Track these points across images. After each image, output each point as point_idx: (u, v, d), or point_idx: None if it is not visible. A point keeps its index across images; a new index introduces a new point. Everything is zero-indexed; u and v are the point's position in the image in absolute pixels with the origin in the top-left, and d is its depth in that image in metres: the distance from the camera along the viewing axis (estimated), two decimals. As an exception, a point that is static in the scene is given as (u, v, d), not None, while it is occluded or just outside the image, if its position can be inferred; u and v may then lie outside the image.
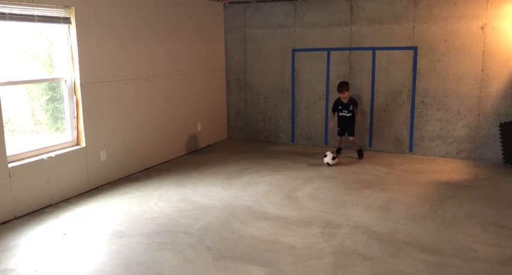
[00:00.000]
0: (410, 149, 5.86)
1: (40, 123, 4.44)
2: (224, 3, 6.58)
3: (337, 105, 5.63)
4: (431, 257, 3.04)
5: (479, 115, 5.43)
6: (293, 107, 6.50)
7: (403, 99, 5.79)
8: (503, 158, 5.34)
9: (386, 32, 5.74)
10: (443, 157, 5.67)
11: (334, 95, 6.17)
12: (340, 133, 5.77)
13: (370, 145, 6.09)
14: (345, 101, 5.55)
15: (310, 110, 6.40)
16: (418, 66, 5.64)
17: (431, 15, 5.47)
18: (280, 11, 6.32)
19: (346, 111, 5.57)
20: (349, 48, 5.99)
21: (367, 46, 5.87)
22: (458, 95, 5.50)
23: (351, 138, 5.65)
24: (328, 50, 6.11)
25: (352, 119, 5.57)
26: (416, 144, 5.81)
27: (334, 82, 6.14)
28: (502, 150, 5.32)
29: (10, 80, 3.90)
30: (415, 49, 5.61)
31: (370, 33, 5.83)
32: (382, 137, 6.00)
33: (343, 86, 5.53)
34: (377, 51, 5.83)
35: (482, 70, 5.33)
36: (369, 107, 6.00)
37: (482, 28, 5.25)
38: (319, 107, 6.32)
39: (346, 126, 5.65)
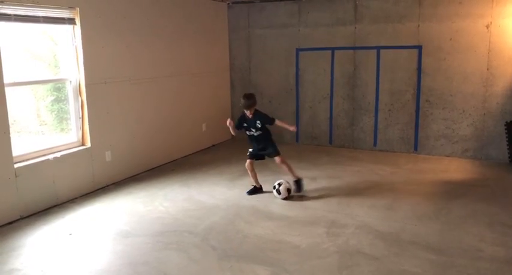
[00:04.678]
0: (415, 149, 5.83)
1: (45, 124, 4.46)
2: (228, 4, 6.59)
3: (242, 123, 4.29)
4: (437, 256, 3.02)
5: (484, 114, 5.40)
6: (297, 106, 6.49)
7: (408, 98, 5.77)
8: (509, 157, 5.31)
9: (390, 31, 5.72)
10: (448, 156, 5.65)
11: (338, 95, 6.18)
12: (252, 156, 4.33)
13: (375, 145, 6.07)
14: (250, 116, 4.23)
15: (314, 110, 6.39)
16: (422, 65, 5.61)
17: (436, 13, 5.44)
18: (284, 11, 6.31)
19: (254, 130, 4.24)
20: (354, 48, 5.97)
21: (371, 45, 5.85)
22: (463, 94, 5.47)
23: (277, 159, 4.26)
24: (333, 49, 6.10)
25: (266, 136, 4.30)
26: (421, 143, 5.79)
27: (339, 82, 6.14)
28: (508, 149, 5.28)
29: (16, 81, 3.93)
30: (419, 48, 5.59)
31: (374, 32, 5.81)
32: (386, 137, 5.98)
33: (248, 101, 4.17)
34: (381, 51, 5.81)
35: (488, 69, 5.30)
36: (373, 106, 5.98)
37: (487, 27, 5.22)
38: (324, 106, 6.31)
39: (262, 145, 4.29)
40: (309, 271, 2.88)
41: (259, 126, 4.22)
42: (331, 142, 6.36)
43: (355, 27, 5.91)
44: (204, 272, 2.90)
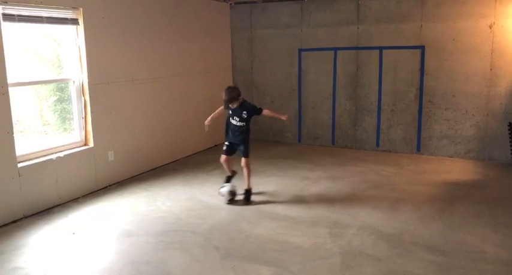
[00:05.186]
0: (418, 149, 5.82)
1: (48, 124, 4.47)
2: (230, 4, 6.59)
3: (228, 107, 4.15)
4: (440, 258, 3.02)
5: (487, 114, 5.39)
6: (300, 107, 6.49)
7: (411, 98, 5.76)
8: (512, 158, 5.30)
9: (393, 31, 5.71)
10: (451, 157, 5.63)
11: (341, 95, 6.17)
12: (228, 151, 4.21)
13: (377, 145, 6.06)
14: (235, 105, 4.09)
15: (316, 110, 6.38)
16: (425, 65, 5.61)
17: (438, 14, 5.44)
18: (287, 11, 6.31)
19: (237, 119, 4.07)
20: (356, 48, 5.97)
21: (374, 45, 5.85)
22: (466, 95, 5.46)
23: (243, 160, 4.12)
24: (335, 49, 6.10)
25: (245, 132, 4.12)
26: (424, 144, 5.78)
27: (342, 82, 6.13)
28: (511, 150, 5.27)
29: (19, 81, 3.94)
30: (422, 48, 5.58)
31: (377, 32, 5.81)
32: (389, 137, 5.98)
33: (232, 97, 4.01)
34: (384, 51, 5.80)
35: (491, 69, 5.28)
36: (376, 106, 5.98)
37: (490, 27, 5.21)
38: (326, 107, 6.30)
39: (238, 139, 4.13)
40: (312, 271, 2.87)
41: (245, 117, 4.05)
42: (333, 142, 6.35)
43: (358, 28, 5.91)
44: (207, 272, 2.90)
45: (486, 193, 4.32)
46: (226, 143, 4.24)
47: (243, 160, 4.15)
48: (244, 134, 4.13)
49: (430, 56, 5.56)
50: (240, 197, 4.17)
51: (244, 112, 4.06)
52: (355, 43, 5.96)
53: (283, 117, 4.19)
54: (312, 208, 4.00)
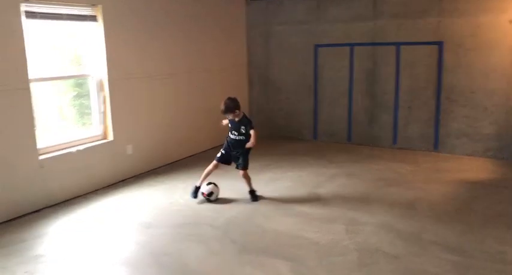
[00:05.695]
0: (436, 147, 5.76)
1: (68, 119, 4.56)
2: (247, 0, 6.59)
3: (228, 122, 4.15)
4: (458, 257, 2.99)
5: (507, 112, 5.29)
6: (315, 103, 6.48)
7: (428, 95, 5.69)
8: (532, 157, 5.21)
9: (410, 27, 5.64)
10: (469, 155, 5.56)
11: (357, 91, 6.14)
12: (222, 159, 4.13)
13: (394, 142, 6.02)
14: (236, 119, 4.04)
15: (333, 107, 6.36)
16: (443, 61, 5.53)
17: (457, 9, 5.34)
18: (303, 7, 6.28)
19: (236, 133, 4.04)
20: (373, 44, 5.91)
21: (391, 41, 5.78)
22: (485, 91, 5.37)
23: (241, 172, 4.12)
24: (351, 45, 6.05)
25: (244, 145, 4.05)
26: (442, 141, 5.71)
27: (358, 78, 6.09)
28: (532, 149, 5.18)
29: (40, 77, 4.02)
30: (440, 44, 5.50)
31: (394, 28, 5.74)
32: (406, 134, 5.92)
33: (228, 107, 3.94)
34: (401, 47, 5.74)
35: (511, 65, 5.19)
36: (393, 103, 5.93)
37: (510, 22, 5.10)
38: (342, 103, 6.27)
39: (236, 151, 4.08)
40: (329, 267, 2.89)
41: (243, 132, 4.01)
42: (349, 139, 6.33)
43: (375, 23, 5.85)
44: (224, 265, 2.94)
45: (506, 192, 4.26)
46: (222, 151, 4.14)
47: (241, 172, 4.11)
48: (243, 148, 4.06)
49: (448, 51, 5.48)
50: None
51: (243, 127, 4.01)
52: (372, 39, 5.90)
53: (249, 144, 4.01)
54: (328, 204, 4.01)
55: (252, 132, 4.00)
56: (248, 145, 4.01)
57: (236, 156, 4.09)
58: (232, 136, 4.08)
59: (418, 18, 5.58)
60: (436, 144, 5.76)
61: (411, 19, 5.62)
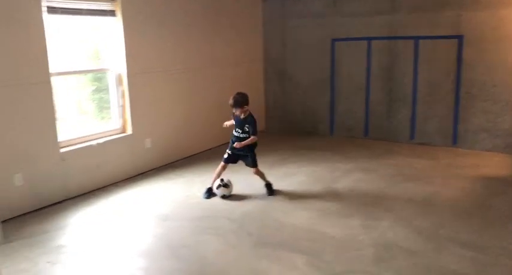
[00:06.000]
0: (455, 142, 5.67)
1: (87, 112, 4.65)
2: (264, -7, 6.58)
3: (232, 119, 4.14)
4: (476, 254, 2.96)
5: (530, 108, 5.17)
6: (332, 97, 6.44)
7: (447, 90, 5.60)
8: (555, 153, 5.08)
9: (429, 20, 5.54)
10: (489, 150, 5.45)
11: (375, 86, 6.08)
12: (229, 160, 4.12)
13: (412, 137, 5.95)
14: (241, 116, 4.03)
15: (350, 101, 6.31)
16: (463, 55, 5.42)
17: (478, 2, 5.22)
18: (320, 1, 6.23)
19: (240, 131, 4.02)
20: (391, 38, 5.83)
21: (409, 35, 5.69)
22: (506, 86, 5.24)
23: (253, 170, 4.13)
24: (369, 39, 5.99)
25: (249, 144, 4.02)
26: (461, 137, 5.62)
27: (376, 72, 6.03)
28: (555, 145, 5.05)
29: (61, 71, 4.10)
30: (460, 38, 5.39)
31: (412, 21, 5.64)
32: (425, 129, 5.84)
33: (237, 100, 3.93)
34: (420, 41, 5.65)
35: (536, 60, 5.05)
36: (411, 98, 5.85)
37: (537, 15, 4.97)
38: (360, 98, 6.22)
39: (242, 152, 4.04)
40: (345, 261, 2.90)
41: (247, 130, 3.98)
42: (366, 134, 6.28)
43: (393, 17, 5.76)
44: (241, 258, 2.98)
45: (526, 188, 4.19)
46: (228, 152, 4.12)
47: (253, 170, 4.12)
48: (247, 147, 4.03)
49: (468, 45, 5.36)
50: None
51: (247, 125, 3.98)
52: (390, 33, 5.82)
53: (237, 145, 3.99)
54: (344, 199, 4.01)
55: (251, 137, 3.97)
56: (236, 145, 3.97)
57: (243, 155, 4.07)
58: (236, 134, 4.06)
59: (438, 12, 5.47)
60: (454, 139, 5.67)
61: (430, 12, 5.52)
